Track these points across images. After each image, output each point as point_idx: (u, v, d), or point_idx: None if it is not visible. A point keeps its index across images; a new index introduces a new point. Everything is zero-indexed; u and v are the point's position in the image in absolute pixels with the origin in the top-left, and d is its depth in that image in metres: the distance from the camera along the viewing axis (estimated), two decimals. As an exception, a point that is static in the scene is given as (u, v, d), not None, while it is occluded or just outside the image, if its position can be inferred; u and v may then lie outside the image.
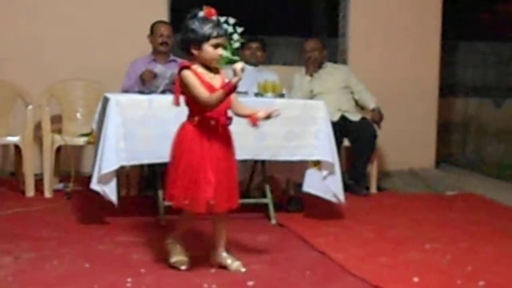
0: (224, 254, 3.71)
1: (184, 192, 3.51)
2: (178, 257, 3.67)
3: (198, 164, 3.49)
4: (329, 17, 8.42)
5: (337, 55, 7.14)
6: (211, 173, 3.50)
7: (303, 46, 6.32)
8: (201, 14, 3.46)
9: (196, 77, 3.45)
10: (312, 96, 6.11)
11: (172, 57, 5.75)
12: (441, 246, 4.24)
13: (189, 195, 3.50)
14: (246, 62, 5.89)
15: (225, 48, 4.60)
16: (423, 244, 4.27)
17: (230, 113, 3.62)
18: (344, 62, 6.97)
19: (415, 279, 3.52)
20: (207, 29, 3.43)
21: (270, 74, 5.80)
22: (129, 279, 3.40)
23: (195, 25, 3.45)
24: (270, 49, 6.84)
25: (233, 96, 3.57)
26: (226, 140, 3.60)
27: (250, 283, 3.42)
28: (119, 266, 3.65)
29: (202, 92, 3.43)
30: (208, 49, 3.46)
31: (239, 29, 4.63)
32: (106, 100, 4.51)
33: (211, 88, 3.45)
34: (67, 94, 5.97)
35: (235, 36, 4.62)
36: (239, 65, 3.36)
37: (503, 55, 9.09)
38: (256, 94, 5.07)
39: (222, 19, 4.56)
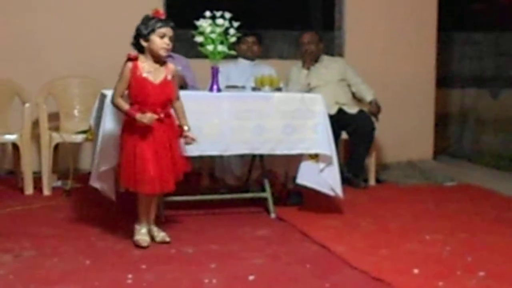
0: (153, 227, 4.11)
1: (129, 176, 3.89)
2: (139, 236, 4.00)
3: (139, 150, 3.86)
4: (325, 10, 8.39)
5: (333, 49, 7.13)
6: (151, 157, 3.85)
7: (299, 39, 6.32)
8: (149, 15, 3.94)
9: (130, 73, 3.87)
10: (309, 89, 6.10)
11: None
12: (441, 237, 4.24)
13: (133, 179, 3.87)
14: (243, 57, 5.90)
15: (221, 42, 4.61)
16: (423, 235, 4.28)
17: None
18: (341, 55, 6.97)
19: (415, 271, 3.53)
20: (153, 22, 3.88)
21: (266, 68, 5.80)
22: (129, 275, 3.41)
23: (143, 22, 3.92)
24: (267, 43, 6.83)
25: (176, 96, 4.04)
26: (164, 127, 3.94)
27: (251, 277, 3.42)
28: (119, 263, 3.65)
29: (118, 90, 3.91)
30: (155, 40, 3.87)
31: (235, 24, 4.62)
32: (103, 97, 4.50)
33: (142, 83, 3.86)
34: (65, 91, 5.96)
35: (231, 31, 4.61)
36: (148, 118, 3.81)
37: (499, 46, 9.07)
38: (253, 89, 5.06)
39: (218, 13, 4.59)
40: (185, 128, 4.05)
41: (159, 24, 3.86)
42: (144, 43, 3.90)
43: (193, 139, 4.06)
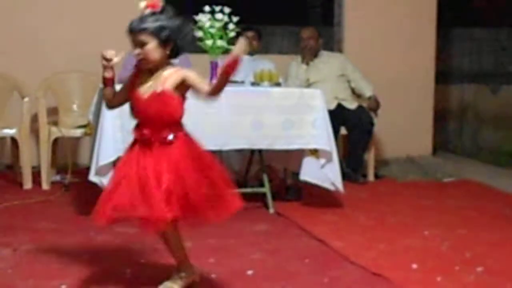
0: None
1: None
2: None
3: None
4: (325, 6, 8.39)
5: (332, 44, 7.13)
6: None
7: (299, 34, 6.31)
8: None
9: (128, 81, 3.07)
10: (308, 84, 6.10)
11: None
12: (440, 232, 4.25)
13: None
14: (242, 52, 5.88)
15: (220, 37, 4.60)
16: (421, 231, 4.28)
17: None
18: (340, 51, 6.96)
19: (414, 266, 3.53)
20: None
21: (266, 63, 5.79)
22: (128, 270, 3.41)
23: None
24: (266, 38, 6.82)
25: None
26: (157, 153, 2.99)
27: (250, 272, 3.43)
28: (118, 257, 3.66)
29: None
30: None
31: (235, 19, 4.62)
32: (102, 92, 4.49)
33: (133, 95, 3.00)
34: (63, 86, 5.97)
35: (231, 26, 4.61)
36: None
37: (499, 42, 9.08)
38: (253, 84, 5.06)
39: (217, 8, 4.58)
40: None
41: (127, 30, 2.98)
42: None
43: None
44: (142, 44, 2.92)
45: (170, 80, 2.97)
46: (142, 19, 2.94)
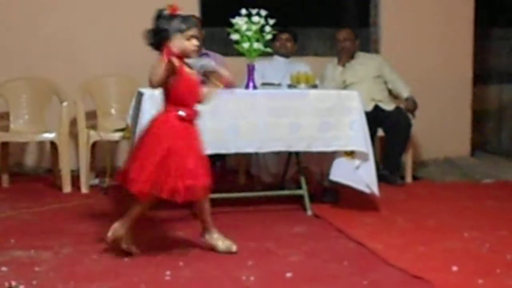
0: (216, 235, 3.86)
1: (155, 179, 3.58)
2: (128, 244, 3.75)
3: (176, 154, 3.60)
4: (360, 6, 8.35)
5: (368, 45, 7.10)
6: (190, 161, 3.62)
7: (335, 36, 6.30)
8: (165, 12, 3.68)
9: (173, 71, 3.59)
10: (344, 86, 6.08)
11: (204, 51, 5.75)
12: (480, 234, 4.20)
13: (160, 183, 3.58)
14: (277, 54, 5.89)
15: (257, 40, 4.62)
16: (461, 232, 4.23)
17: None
18: (376, 51, 6.93)
19: (454, 268, 3.49)
20: (176, 23, 3.63)
21: (302, 65, 5.78)
22: (168, 272, 3.42)
23: (163, 24, 3.65)
24: (302, 41, 6.81)
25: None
26: (195, 131, 3.75)
27: (288, 274, 3.42)
28: (157, 260, 3.67)
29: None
30: (183, 42, 3.64)
31: (271, 21, 4.63)
32: (140, 95, 4.53)
33: (192, 83, 3.70)
34: (101, 89, 6.02)
35: (267, 28, 4.62)
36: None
37: (537, 41, 8.96)
38: (289, 86, 5.06)
39: (254, 11, 4.59)
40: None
41: (183, 26, 3.62)
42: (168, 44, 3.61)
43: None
44: (198, 37, 3.69)
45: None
46: (186, 17, 3.69)
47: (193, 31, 3.65)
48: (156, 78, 3.56)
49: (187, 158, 3.61)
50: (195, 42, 3.66)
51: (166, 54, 3.55)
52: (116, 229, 3.72)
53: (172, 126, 3.66)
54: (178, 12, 3.67)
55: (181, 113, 3.66)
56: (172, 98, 3.67)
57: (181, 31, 3.62)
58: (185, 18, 3.67)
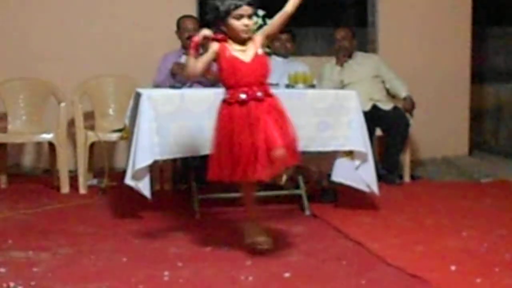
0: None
1: (231, 167, 3.59)
2: (255, 237, 3.77)
3: (237, 139, 3.56)
4: (358, 6, 8.36)
5: (366, 45, 7.10)
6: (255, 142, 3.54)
7: (333, 35, 6.29)
8: None
9: (215, 56, 3.62)
10: (342, 86, 6.08)
11: (202, 50, 5.74)
12: (478, 233, 4.20)
13: (235, 169, 3.58)
14: (276, 54, 5.89)
15: (256, 15, 4.59)
16: (459, 232, 4.23)
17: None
18: (374, 51, 6.93)
19: (453, 267, 3.49)
20: (226, 3, 3.56)
21: (300, 65, 5.79)
22: (166, 273, 3.42)
23: (215, 3, 3.59)
24: (299, 40, 6.81)
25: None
26: (262, 107, 3.59)
27: (287, 274, 3.42)
28: (155, 260, 3.67)
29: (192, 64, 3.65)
30: (233, 22, 3.58)
31: (269, 21, 4.62)
32: (138, 96, 4.53)
33: (233, 63, 3.58)
34: (99, 90, 6.02)
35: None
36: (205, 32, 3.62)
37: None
38: (287, 86, 5.06)
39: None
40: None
41: (232, 6, 3.53)
42: (223, 28, 3.62)
43: None
44: (250, 16, 3.57)
45: (258, 43, 3.62)
46: None
47: (242, 10, 3.55)
48: (188, 69, 3.67)
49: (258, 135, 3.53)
50: (245, 21, 3.57)
51: (191, 46, 3.60)
52: (253, 229, 3.81)
53: (231, 116, 3.61)
54: None
55: (242, 95, 3.57)
56: (225, 83, 3.65)
57: (229, 11, 3.55)
58: None
